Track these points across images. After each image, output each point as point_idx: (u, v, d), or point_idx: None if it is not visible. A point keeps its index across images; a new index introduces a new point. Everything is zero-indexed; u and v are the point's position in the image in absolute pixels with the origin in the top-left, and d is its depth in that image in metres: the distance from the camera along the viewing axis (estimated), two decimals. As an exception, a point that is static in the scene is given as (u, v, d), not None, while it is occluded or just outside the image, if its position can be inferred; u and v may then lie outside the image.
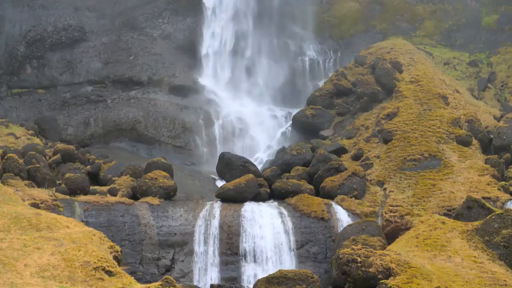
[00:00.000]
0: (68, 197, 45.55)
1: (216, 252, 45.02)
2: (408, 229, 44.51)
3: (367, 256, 37.24)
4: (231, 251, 45.03)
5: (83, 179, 47.61)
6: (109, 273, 32.04)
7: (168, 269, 44.43)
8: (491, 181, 49.06)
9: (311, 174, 51.96)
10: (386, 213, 47.34)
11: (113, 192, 47.52)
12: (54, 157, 52.20)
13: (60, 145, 54.79)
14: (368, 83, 63.30)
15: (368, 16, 78.89)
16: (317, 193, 50.01)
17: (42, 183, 47.07)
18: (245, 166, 52.18)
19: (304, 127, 63.60)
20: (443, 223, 41.94)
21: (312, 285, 37.90)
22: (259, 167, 56.69)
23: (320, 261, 45.20)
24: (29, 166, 47.84)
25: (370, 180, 51.02)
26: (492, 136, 55.85)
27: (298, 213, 46.80)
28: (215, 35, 73.76)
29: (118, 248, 36.36)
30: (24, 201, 41.66)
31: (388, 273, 36.57)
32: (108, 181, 50.03)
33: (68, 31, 69.77)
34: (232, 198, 47.94)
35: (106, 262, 32.52)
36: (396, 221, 46.75)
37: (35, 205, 41.42)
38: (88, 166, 52.29)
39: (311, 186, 50.02)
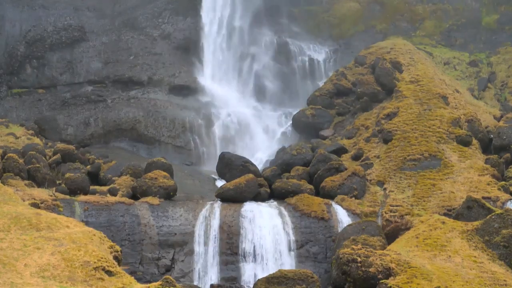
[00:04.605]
0: (68, 197, 45.54)
1: (216, 252, 45.01)
2: (408, 229, 44.50)
3: (367, 256, 37.23)
4: (231, 251, 45.03)
5: (83, 179, 47.59)
6: (109, 273, 32.03)
7: (168, 269, 44.44)
8: (491, 181, 49.05)
9: (311, 174, 51.96)
10: (386, 213, 47.33)
11: (113, 192, 47.52)
12: (54, 157, 52.19)
13: (60, 145, 54.77)
14: (368, 83, 63.28)
15: (368, 16, 78.93)
16: (317, 193, 50.00)
17: (42, 183, 47.06)
18: (245, 166, 52.17)
19: (304, 127, 63.59)
20: (443, 223, 41.93)
21: (312, 285, 37.90)
22: (259, 167, 56.67)
23: (320, 261, 45.19)
24: (29, 166, 47.83)
25: (370, 180, 51.01)
26: (492, 136, 55.81)
27: (298, 213, 46.80)
28: (215, 35, 73.76)
29: (118, 248, 36.34)
30: (24, 201, 41.65)
31: (388, 273, 36.57)
32: (108, 181, 50.03)
33: (68, 31, 69.77)
34: (232, 198, 47.92)
35: (106, 262, 32.51)
36: (396, 221, 46.74)
37: (35, 205, 41.41)
38: (88, 166, 52.28)
39: (311, 186, 50.02)
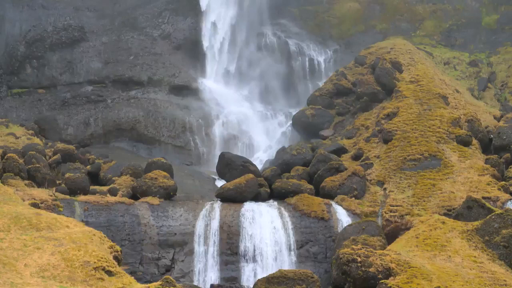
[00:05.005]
0: (68, 197, 45.53)
1: (216, 252, 45.01)
2: (408, 229, 44.50)
3: (367, 256, 37.22)
4: (231, 251, 45.03)
5: (83, 179, 47.59)
6: (109, 273, 32.04)
7: (168, 269, 44.44)
8: (491, 181, 49.04)
9: (311, 174, 51.96)
10: (386, 213, 47.32)
11: (113, 192, 47.52)
12: (54, 157, 52.19)
13: (60, 145, 54.79)
14: (368, 83, 63.27)
15: (368, 16, 78.96)
16: (317, 193, 50.00)
17: (42, 183, 47.05)
18: (245, 166, 52.15)
19: (304, 127, 63.59)
20: (443, 223, 41.94)
21: (312, 285, 37.90)
22: (259, 167, 56.69)
23: (320, 261, 45.19)
24: (29, 166, 47.82)
25: (370, 180, 51.01)
26: (492, 136, 55.79)
27: (298, 213, 46.79)
28: (215, 35, 73.79)
29: (118, 248, 36.34)
30: (24, 201, 41.66)
31: (388, 273, 36.57)
32: (108, 181, 50.02)
33: (68, 31, 69.83)
34: (232, 198, 47.92)
35: (106, 262, 32.52)
36: (396, 221, 46.73)
37: (35, 205, 41.41)
38: (88, 166, 52.31)
39: (311, 186, 50.01)
